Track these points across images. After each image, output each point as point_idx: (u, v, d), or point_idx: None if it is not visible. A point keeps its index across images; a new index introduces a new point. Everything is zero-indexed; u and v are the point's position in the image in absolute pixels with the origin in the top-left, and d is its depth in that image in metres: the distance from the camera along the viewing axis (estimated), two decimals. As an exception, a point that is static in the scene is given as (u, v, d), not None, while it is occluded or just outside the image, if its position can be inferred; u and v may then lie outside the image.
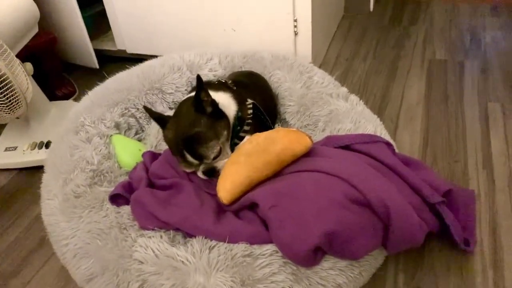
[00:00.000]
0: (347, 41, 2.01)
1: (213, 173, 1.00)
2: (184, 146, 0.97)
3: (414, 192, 0.93)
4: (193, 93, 1.02)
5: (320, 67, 1.78)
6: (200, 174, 1.02)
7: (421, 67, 1.76)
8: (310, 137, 0.95)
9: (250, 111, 1.10)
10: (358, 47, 1.95)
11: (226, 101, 1.07)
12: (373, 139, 1.01)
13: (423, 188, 0.93)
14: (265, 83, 1.34)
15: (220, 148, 0.99)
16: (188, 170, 1.01)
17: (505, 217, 1.10)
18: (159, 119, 1.06)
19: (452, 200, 1.04)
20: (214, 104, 1.00)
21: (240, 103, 1.10)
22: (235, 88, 1.15)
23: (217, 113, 1.01)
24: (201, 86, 0.97)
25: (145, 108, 1.10)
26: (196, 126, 0.97)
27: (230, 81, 1.19)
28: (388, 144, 1.02)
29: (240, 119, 1.07)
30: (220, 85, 1.14)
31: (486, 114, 1.46)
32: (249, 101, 1.12)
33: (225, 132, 1.01)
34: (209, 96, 0.99)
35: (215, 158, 0.98)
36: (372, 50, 1.92)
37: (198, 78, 0.96)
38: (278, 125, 1.32)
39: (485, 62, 1.74)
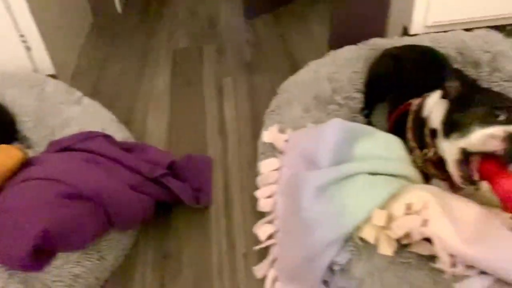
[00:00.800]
0: (98, 45, 2.04)
1: None
2: None
3: (135, 172, 1.04)
4: None
5: (72, 76, 1.79)
6: None
7: (167, 58, 1.90)
8: (21, 149, 0.97)
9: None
10: (109, 50, 2.00)
11: None
12: (91, 135, 1.08)
13: (142, 167, 1.05)
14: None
15: None
16: None
17: (234, 173, 1.30)
18: None
19: (189, 167, 1.21)
20: None
21: None
22: None
23: None
24: None
25: None
26: None
27: None
28: (106, 136, 1.10)
29: None
30: None
31: (221, 88, 1.68)
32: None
33: None
34: None
35: None
36: (123, 50, 1.99)
37: None
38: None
39: (221, 44, 1.98)
